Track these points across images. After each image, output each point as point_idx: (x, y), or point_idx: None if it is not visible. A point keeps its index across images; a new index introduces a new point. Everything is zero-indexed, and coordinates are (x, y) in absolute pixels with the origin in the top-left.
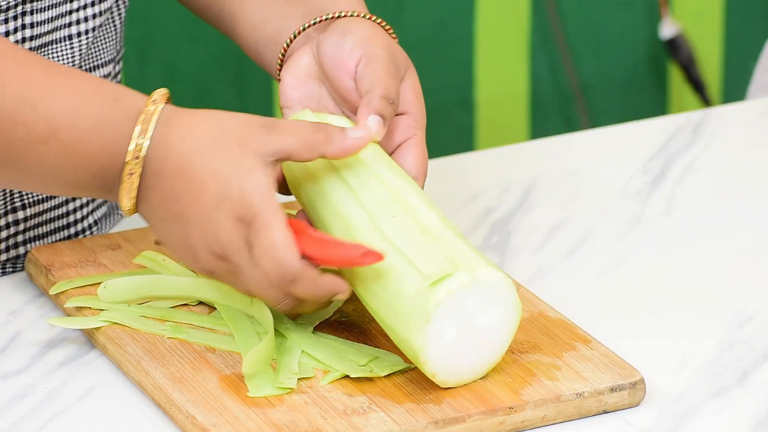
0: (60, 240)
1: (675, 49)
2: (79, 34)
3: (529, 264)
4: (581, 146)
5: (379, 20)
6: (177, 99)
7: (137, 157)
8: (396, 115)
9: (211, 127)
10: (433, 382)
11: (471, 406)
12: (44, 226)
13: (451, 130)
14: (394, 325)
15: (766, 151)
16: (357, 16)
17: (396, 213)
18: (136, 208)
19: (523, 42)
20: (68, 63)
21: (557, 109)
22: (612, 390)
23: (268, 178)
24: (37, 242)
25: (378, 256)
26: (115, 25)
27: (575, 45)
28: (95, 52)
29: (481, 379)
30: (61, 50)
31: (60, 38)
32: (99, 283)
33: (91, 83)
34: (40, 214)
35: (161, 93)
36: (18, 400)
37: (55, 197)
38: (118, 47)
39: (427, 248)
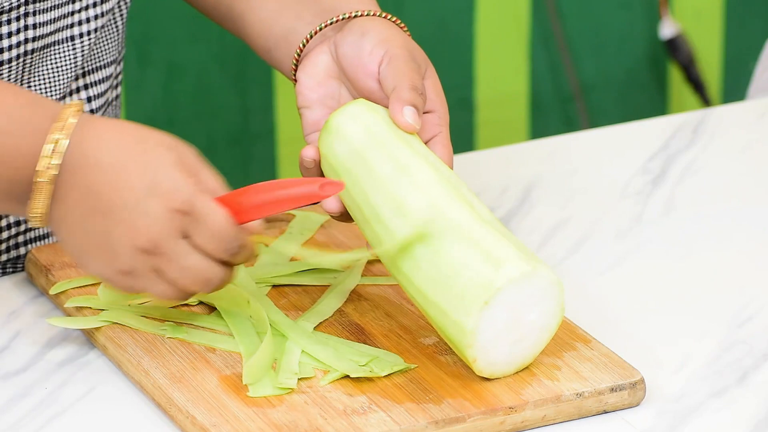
0: None
1: (675, 49)
2: (81, 35)
3: None
4: (581, 146)
5: (394, 18)
6: (177, 99)
7: (55, 151)
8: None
9: (133, 129)
10: (433, 381)
11: (471, 406)
12: (45, 227)
13: (451, 130)
14: (444, 304)
15: (766, 151)
16: (373, 15)
17: (452, 198)
18: (48, 216)
19: (523, 42)
20: (71, 64)
21: (557, 109)
22: (612, 390)
23: (188, 170)
24: (37, 243)
25: (338, 185)
26: (117, 26)
27: (575, 45)
28: (98, 53)
29: (481, 378)
30: (64, 51)
31: (63, 39)
32: (99, 283)
33: (6, 88)
34: None
35: (77, 103)
36: (18, 400)
37: None
38: (120, 48)
39: (491, 234)
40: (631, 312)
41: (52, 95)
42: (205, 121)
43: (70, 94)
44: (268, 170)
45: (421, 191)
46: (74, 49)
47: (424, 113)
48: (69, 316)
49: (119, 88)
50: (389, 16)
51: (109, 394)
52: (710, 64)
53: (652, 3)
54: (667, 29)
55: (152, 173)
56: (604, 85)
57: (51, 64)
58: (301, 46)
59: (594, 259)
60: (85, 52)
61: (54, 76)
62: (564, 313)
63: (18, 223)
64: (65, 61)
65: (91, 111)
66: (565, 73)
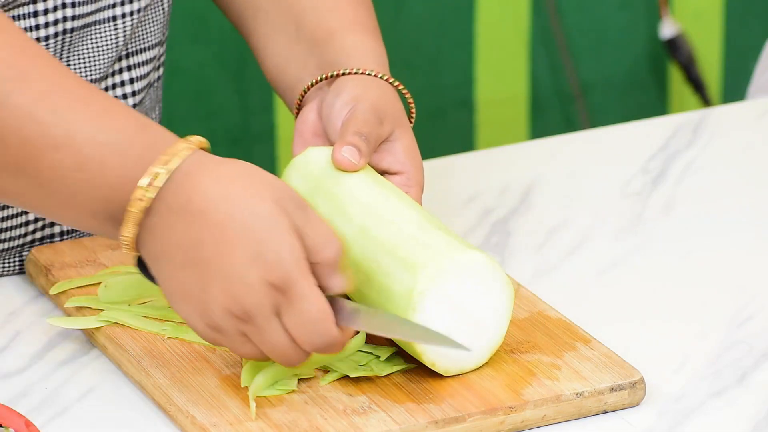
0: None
1: (675, 49)
2: (123, 15)
3: (529, 264)
4: (581, 146)
5: (386, 77)
6: (177, 99)
7: (151, 185)
8: (391, 174)
9: (247, 177)
10: (433, 381)
11: (471, 405)
12: (49, 228)
13: (451, 130)
14: None
15: (766, 151)
16: (361, 73)
17: (382, 216)
18: (137, 243)
19: (523, 42)
20: (112, 44)
21: (557, 109)
22: (612, 390)
23: (299, 243)
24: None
25: None
26: (163, 7)
27: (575, 45)
28: (142, 34)
29: (481, 378)
30: (106, 31)
31: (104, 19)
32: (99, 283)
33: (129, 111)
34: None
35: (199, 139)
36: (18, 400)
37: None
38: (164, 29)
39: (409, 243)
40: (631, 312)
41: (91, 75)
42: (205, 121)
43: (112, 74)
44: (268, 170)
45: (350, 220)
46: (116, 29)
47: (392, 174)
48: (69, 316)
49: (161, 69)
50: (380, 74)
51: (109, 394)
52: (710, 64)
53: (652, 3)
54: (667, 29)
55: (259, 241)
56: (604, 85)
57: (92, 43)
58: (298, 100)
59: (594, 259)
60: (128, 32)
61: (94, 56)
62: (511, 285)
63: (27, 224)
64: (107, 41)
65: (133, 93)
66: (565, 73)
